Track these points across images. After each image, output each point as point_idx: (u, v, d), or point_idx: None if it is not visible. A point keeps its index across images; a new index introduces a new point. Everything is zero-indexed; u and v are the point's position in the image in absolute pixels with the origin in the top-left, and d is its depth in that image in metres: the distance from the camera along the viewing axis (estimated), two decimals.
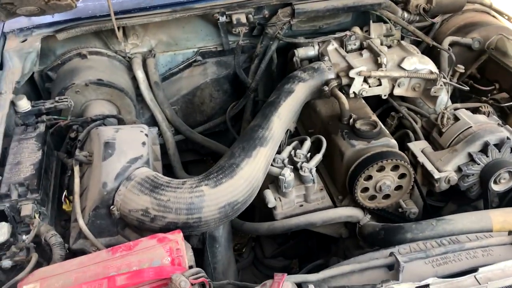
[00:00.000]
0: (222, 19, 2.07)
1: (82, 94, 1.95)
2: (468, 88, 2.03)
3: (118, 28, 2.01)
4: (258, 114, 1.73)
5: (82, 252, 1.38)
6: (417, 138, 1.87)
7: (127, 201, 1.36)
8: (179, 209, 1.33)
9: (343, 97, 1.79)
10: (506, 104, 1.97)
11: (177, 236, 1.25)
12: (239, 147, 1.54)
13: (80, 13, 2.00)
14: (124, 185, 1.38)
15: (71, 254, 1.35)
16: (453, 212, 1.81)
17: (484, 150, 1.62)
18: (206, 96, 2.26)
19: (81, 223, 1.37)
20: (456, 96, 2.20)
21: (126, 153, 1.46)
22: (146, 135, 1.57)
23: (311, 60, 2.09)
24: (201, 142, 2.24)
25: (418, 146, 1.77)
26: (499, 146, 1.63)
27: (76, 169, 1.54)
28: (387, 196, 1.69)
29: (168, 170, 2.15)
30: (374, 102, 2.09)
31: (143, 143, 1.52)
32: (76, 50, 2.07)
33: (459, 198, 1.80)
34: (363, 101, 1.93)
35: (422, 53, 2.21)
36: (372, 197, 1.68)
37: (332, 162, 1.79)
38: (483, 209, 1.69)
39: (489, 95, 2.09)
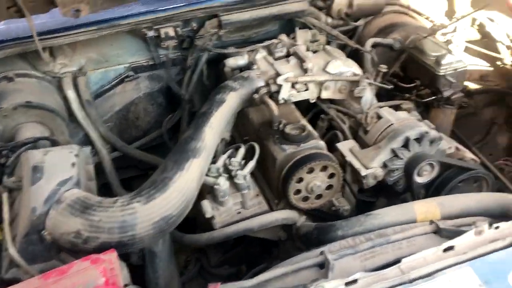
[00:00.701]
0: (150, 33, 2.08)
1: (11, 118, 1.90)
2: (391, 87, 2.13)
3: (44, 48, 1.98)
4: (191, 126, 1.75)
5: (15, 281, 1.35)
6: (346, 138, 1.94)
7: (58, 224, 1.35)
8: (112, 228, 1.34)
9: (272, 104, 1.84)
10: (427, 100, 2.09)
11: (111, 256, 1.25)
12: (172, 160, 1.56)
13: (3, 36, 1.96)
14: (54, 208, 1.37)
15: (5, 284, 1.32)
16: (384, 206, 1.91)
17: (406, 145, 1.72)
18: (141, 111, 2.27)
19: (12, 251, 1.35)
20: (383, 95, 2.32)
21: (55, 175, 1.45)
22: (76, 155, 1.55)
23: (242, 69, 2.13)
24: (139, 157, 2.24)
25: (346, 146, 1.85)
26: (419, 140, 1.73)
27: (5, 196, 1.50)
28: (319, 196, 1.75)
29: (108, 189, 2.14)
30: (306, 106, 2.16)
31: (73, 164, 1.51)
32: (1, 73, 2.02)
33: (389, 193, 1.89)
34: (293, 106, 2.00)
35: (348, 55, 2.31)
36: (306, 198, 1.74)
37: (266, 168, 1.84)
38: (409, 201, 1.80)
39: (414, 91, 2.22)
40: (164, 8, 2.03)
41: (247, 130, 2.03)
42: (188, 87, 2.21)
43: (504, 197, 1.53)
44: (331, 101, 2.12)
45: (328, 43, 2.34)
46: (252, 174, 1.92)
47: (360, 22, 2.38)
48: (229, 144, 2.04)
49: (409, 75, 2.27)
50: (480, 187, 1.86)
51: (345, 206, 1.80)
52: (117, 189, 2.10)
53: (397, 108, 1.95)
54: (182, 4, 2.05)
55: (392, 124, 1.79)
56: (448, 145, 1.81)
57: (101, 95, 2.23)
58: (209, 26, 2.10)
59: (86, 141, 2.12)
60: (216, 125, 1.76)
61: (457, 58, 2.05)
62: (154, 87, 2.24)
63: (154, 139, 2.35)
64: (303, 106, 2.10)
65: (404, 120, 1.80)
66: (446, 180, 1.77)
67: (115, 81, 2.22)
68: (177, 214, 1.46)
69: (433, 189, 1.80)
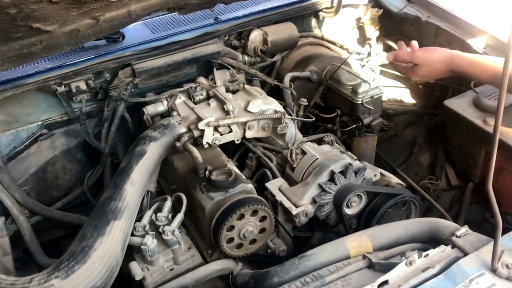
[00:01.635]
0: (61, 89, 1.97)
1: None
2: (313, 119, 2.16)
3: None
4: (110, 184, 1.67)
5: None
6: (275, 176, 1.93)
7: None
8: None
9: (195, 151, 1.79)
10: (347, 128, 2.13)
11: None
12: (91, 226, 1.46)
13: None
14: None
15: None
16: (320, 240, 1.90)
17: (332, 178, 1.73)
18: (59, 170, 2.13)
19: None
20: (308, 126, 2.34)
21: None
22: None
23: (163, 115, 2.08)
24: (61, 219, 2.10)
25: (275, 185, 1.83)
26: (344, 172, 1.74)
27: None
28: (253, 241, 1.71)
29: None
30: (234, 146, 2.13)
31: None
32: None
33: (323, 226, 1.88)
34: (219, 150, 1.96)
35: (269, 91, 2.33)
36: (239, 245, 1.69)
37: (197, 217, 1.78)
38: (344, 233, 1.80)
39: (338, 118, 2.25)
40: (72, 62, 1.94)
41: (174, 179, 1.96)
42: (107, 140, 2.11)
43: (430, 221, 1.55)
44: (257, 139, 2.11)
45: (250, 81, 2.35)
46: (184, 225, 1.86)
47: (277, 57, 2.41)
48: (160, 193, 1.97)
49: (330, 104, 2.31)
50: (409, 210, 1.90)
51: (281, 247, 1.77)
52: (39, 257, 1.95)
53: (320, 141, 1.97)
54: (91, 56, 1.97)
55: (316, 158, 1.79)
56: (373, 172, 1.84)
57: (14, 157, 2.08)
58: (123, 76, 2.03)
59: (1, 209, 1.96)
60: (138, 181, 1.68)
61: (372, 86, 2.10)
62: (70, 144, 2.12)
63: (78, 197, 2.22)
64: (233, 146, 2.07)
65: (328, 153, 1.81)
66: (375, 208, 1.79)
67: (28, 141, 2.08)
68: (102, 284, 1.36)
69: (364, 218, 1.82)
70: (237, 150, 2.18)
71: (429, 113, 2.38)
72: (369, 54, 2.72)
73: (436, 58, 1.84)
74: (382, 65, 2.74)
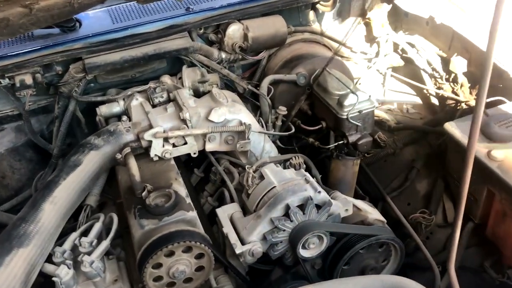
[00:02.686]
0: (4, 82, 1.76)
1: None
2: (291, 131, 1.86)
3: None
4: (28, 202, 1.45)
5: None
6: (233, 199, 1.67)
7: None
8: None
9: (133, 166, 1.55)
10: (328, 147, 1.82)
11: None
12: None
13: None
14: None
15: None
16: (279, 277, 1.62)
17: (287, 214, 1.44)
18: (6, 169, 1.94)
19: None
20: (292, 136, 2.04)
21: None
22: None
23: (119, 117, 1.83)
24: (6, 222, 1.91)
25: (226, 212, 1.56)
26: (303, 207, 1.45)
27: None
28: (189, 280, 1.46)
29: None
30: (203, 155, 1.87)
31: None
32: None
33: (283, 263, 1.61)
34: (172, 163, 1.70)
35: (252, 95, 2.05)
36: (171, 284, 1.44)
37: (131, 244, 1.54)
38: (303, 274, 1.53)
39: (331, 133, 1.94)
40: (14, 53, 1.71)
41: (120, 192, 1.73)
42: (56, 140, 1.89)
43: (395, 281, 1.25)
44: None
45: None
46: (124, 247, 1.63)
47: (262, 55, 2.10)
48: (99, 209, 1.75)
49: (316, 114, 2.00)
50: (388, 251, 1.60)
51: (226, 286, 1.51)
52: None
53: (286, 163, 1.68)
54: (37, 47, 1.73)
55: (274, 187, 1.50)
56: (344, 207, 1.54)
57: None
58: (74, 71, 1.79)
59: None
60: (63, 198, 1.46)
61: (361, 98, 1.77)
62: (18, 141, 1.92)
63: (28, 198, 2.02)
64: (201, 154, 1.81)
65: (288, 182, 1.51)
66: (344, 249, 1.50)
67: None
68: None
69: (331, 258, 1.53)
70: (205, 159, 1.92)
71: (435, 131, 2.02)
72: (376, 55, 2.37)
73: None
74: (391, 68, 2.40)
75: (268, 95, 1.92)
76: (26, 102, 1.79)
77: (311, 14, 2.23)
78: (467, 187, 0.93)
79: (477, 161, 1.59)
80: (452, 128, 1.68)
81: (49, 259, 1.42)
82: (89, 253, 1.43)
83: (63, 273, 1.37)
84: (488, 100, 1.71)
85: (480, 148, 1.62)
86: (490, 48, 0.87)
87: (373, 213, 1.62)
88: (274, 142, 1.91)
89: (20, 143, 1.93)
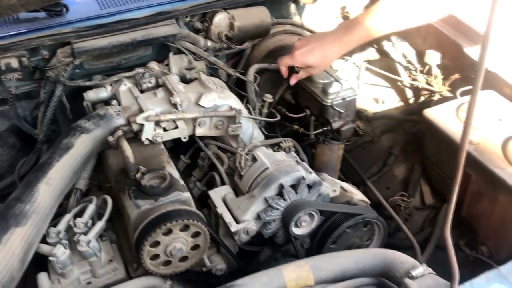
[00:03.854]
0: None
1: None
2: (277, 118, 1.91)
3: None
4: (22, 182, 1.44)
5: None
6: (223, 181, 1.70)
7: None
8: None
9: (127, 149, 1.56)
10: (314, 132, 1.89)
11: None
12: None
13: None
14: None
15: None
16: (268, 257, 1.68)
17: (281, 193, 1.49)
18: None
19: None
20: (276, 125, 2.09)
21: None
22: None
23: (106, 102, 1.84)
24: None
25: (219, 193, 1.60)
26: (295, 186, 1.51)
27: None
28: (184, 258, 1.48)
29: None
30: (190, 141, 1.89)
31: None
32: None
33: (273, 242, 1.66)
34: (162, 147, 1.72)
35: (237, 83, 2.09)
36: (167, 262, 1.47)
37: (125, 226, 1.56)
38: (294, 254, 1.59)
39: (312, 119, 2.00)
40: (0, 35, 1.69)
41: (109, 176, 1.74)
42: (42, 125, 1.87)
43: (385, 254, 1.33)
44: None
45: (216, 69, 2.09)
46: (115, 230, 1.64)
47: (246, 45, 2.15)
48: (89, 192, 1.75)
49: (300, 103, 2.06)
50: (371, 230, 1.68)
51: (219, 265, 1.55)
52: None
53: (276, 146, 1.73)
54: (23, 31, 1.72)
55: (267, 168, 1.56)
56: (332, 188, 1.61)
57: None
58: (61, 55, 1.78)
59: None
60: (57, 180, 1.45)
61: (345, 86, 1.85)
62: (1, 127, 1.89)
63: (11, 185, 1.99)
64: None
65: (281, 163, 1.57)
66: (332, 228, 1.57)
67: None
68: None
69: (319, 238, 1.59)
70: (191, 146, 1.95)
71: (410, 120, 2.13)
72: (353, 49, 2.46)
73: (321, 51, 1.78)
74: (367, 61, 2.50)
75: (254, 83, 1.97)
76: (12, 86, 1.76)
77: (293, 7, 2.30)
78: (461, 170, 1.00)
79: (454, 146, 1.71)
80: (431, 112, 1.78)
81: (43, 241, 1.42)
82: (85, 233, 1.44)
83: (60, 253, 1.38)
84: (463, 88, 1.85)
85: (455, 135, 1.73)
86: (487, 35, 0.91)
87: (357, 194, 1.69)
88: (259, 129, 1.97)
89: (2, 129, 1.89)
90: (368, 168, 2.12)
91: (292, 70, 1.87)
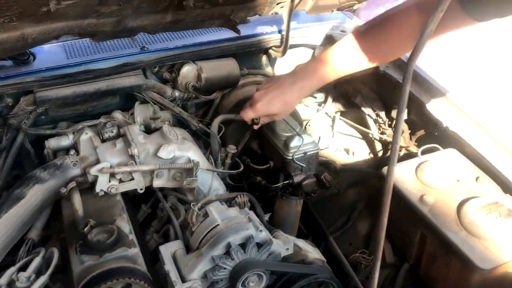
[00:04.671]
0: None
1: None
2: (240, 170, 1.91)
3: None
4: None
5: None
6: (177, 236, 1.69)
7: None
8: None
9: (77, 201, 1.56)
10: (275, 186, 1.88)
11: None
12: None
13: None
14: None
15: None
16: None
17: (229, 252, 1.47)
18: None
19: None
20: (240, 175, 2.09)
21: None
22: None
23: (68, 150, 1.84)
24: None
25: (169, 249, 1.57)
26: (244, 245, 1.49)
27: None
28: None
29: None
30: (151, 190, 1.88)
31: None
32: None
33: None
34: (118, 198, 1.71)
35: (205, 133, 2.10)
36: None
37: (72, 281, 1.53)
38: None
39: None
40: None
41: (64, 227, 1.72)
42: (1, 172, 1.87)
43: None
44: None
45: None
46: (65, 283, 1.61)
47: (215, 95, 2.17)
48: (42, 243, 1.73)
49: (265, 154, 2.06)
50: None
51: None
52: None
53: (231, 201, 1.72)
54: None
55: (217, 225, 1.54)
56: (285, 246, 1.58)
57: None
58: (24, 103, 1.81)
59: None
60: (2, 232, 1.45)
61: (306, 140, 1.85)
62: None
63: None
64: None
65: (232, 220, 1.55)
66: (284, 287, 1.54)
67: None
68: None
69: None
70: (153, 194, 1.94)
71: (376, 174, 2.12)
72: (325, 99, 2.48)
73: (282, 100, 1.79)
74: (339, 112, 2.51)
75: (219, 134, 1.98)
76: None
77: (264, 58, 2.33)
78: (386, 219, 1.00)
79: (411, 205, 1.69)
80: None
81: None
82: None
83: None
84: (425, 147, 1.85)
85: (414, 192, 1.72)
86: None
87: (313, 252, 1.67)
88: (223, 179, 1.96)
89: None
90: (333, 221, 2.10)
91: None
